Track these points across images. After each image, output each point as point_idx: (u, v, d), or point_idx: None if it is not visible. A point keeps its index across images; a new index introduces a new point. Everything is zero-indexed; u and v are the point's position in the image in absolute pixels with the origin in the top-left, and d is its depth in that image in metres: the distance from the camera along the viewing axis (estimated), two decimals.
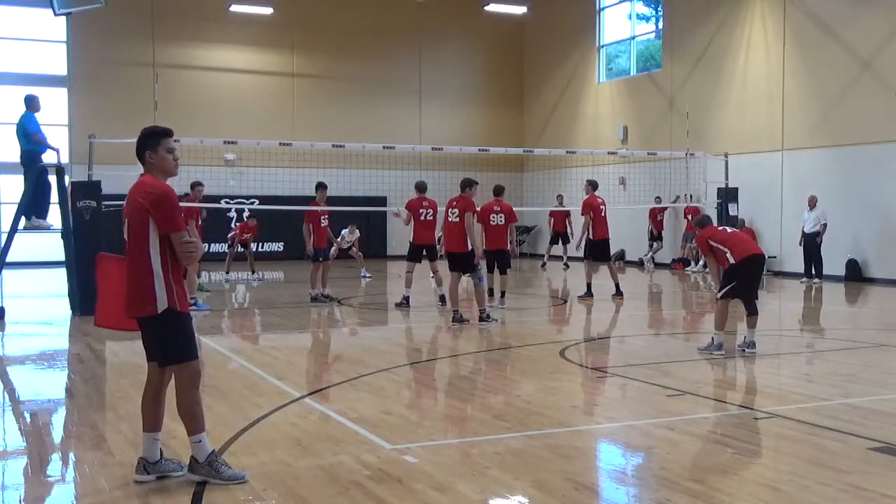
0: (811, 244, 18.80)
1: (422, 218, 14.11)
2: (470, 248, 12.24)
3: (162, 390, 5.31)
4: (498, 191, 14.55)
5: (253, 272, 19.94)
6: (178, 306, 5.11)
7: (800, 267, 19.48)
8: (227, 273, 19.88)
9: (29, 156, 13.64)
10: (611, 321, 13.56)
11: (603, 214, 15.41)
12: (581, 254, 16.01)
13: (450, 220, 12.42)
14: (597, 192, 15.61)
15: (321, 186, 15.14)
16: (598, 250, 15.45)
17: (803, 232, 18.95)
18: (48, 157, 14.01)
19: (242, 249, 20.34)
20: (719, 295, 9.61)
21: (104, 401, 7.92)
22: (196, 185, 14.75)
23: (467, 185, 12.49)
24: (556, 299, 17.13)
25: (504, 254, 14.30)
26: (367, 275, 19.85)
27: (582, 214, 15.50)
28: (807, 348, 10.89)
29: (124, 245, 5.24)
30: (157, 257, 5.07)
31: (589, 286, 15.42)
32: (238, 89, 26.78)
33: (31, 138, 13.56)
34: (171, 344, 5.16)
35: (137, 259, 5.08)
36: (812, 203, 18.83)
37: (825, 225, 18.63)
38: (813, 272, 18.86)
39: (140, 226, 5.06)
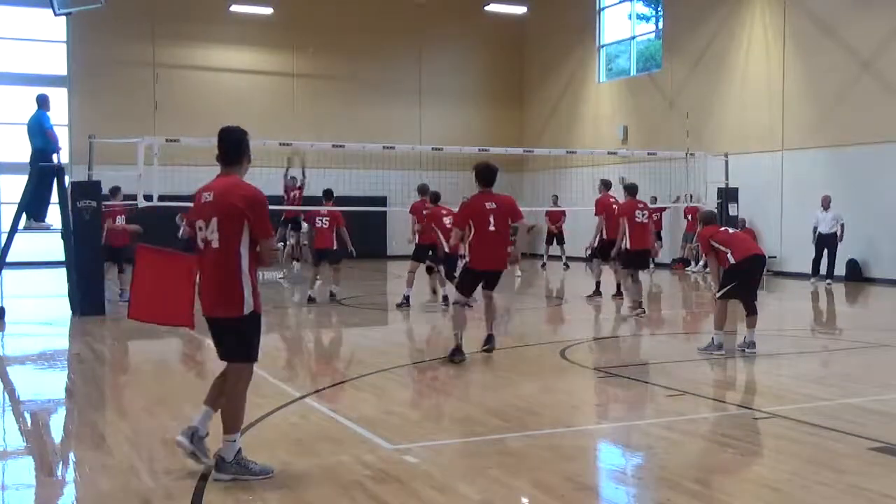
0: (831, 245, 18.35)
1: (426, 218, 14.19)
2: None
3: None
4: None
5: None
6: (260, 309, 5.27)
7: (800, 267, 19.46)
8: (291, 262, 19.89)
9: (39, 155, 13.64)
10: (611, 321, 13.55)
11: (616, 214, 15.35)
12: (583, 254, 15.94)
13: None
14: (610, 192, 15.56)
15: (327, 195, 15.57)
16: (609, 250, 15.37)
17: (819, 233, 18.45)
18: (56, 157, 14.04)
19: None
20: (718, 295, 9.61)
21: (104, 401, 7.92)
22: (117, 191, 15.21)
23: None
24: (556, 299, 17.13)
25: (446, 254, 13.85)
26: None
27: (596, 215, 15.33)
28: (807, 348, 10.88)
29: (192, 243, 5.32)
30: (246, 260, 5.16)
31: (598, 285, 15.39)
32: (238, 89, 26.75)
33: (47, 134, 13.56)
34: (248, 344, 5.28)
35: (228, 259, 5.14)
36: (826, 203, 18.40)
37: (843, 225, 18.36)
38: (823, 272, 18.56)
39: (234, 227, 5.13)
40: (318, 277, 15.20)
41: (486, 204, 9.18)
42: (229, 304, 5.16)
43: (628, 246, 13.42)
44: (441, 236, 13.53)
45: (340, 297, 15.23)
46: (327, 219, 14.96)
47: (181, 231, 15.65)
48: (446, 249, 13.39)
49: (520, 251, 10.06)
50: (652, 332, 12.18)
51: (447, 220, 13.35)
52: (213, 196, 5.19)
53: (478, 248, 9.23)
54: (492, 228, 9.13)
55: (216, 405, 5.39)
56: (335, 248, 14.99)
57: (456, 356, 9.25)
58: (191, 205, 5.42)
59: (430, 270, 14.51)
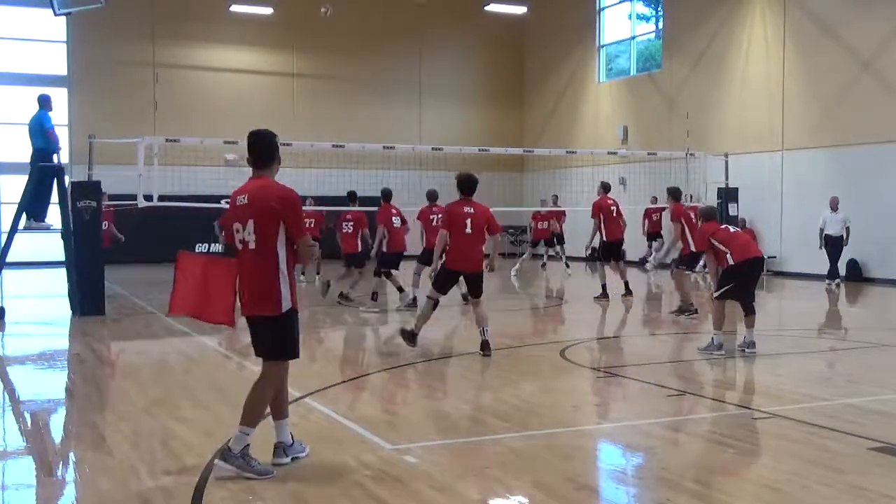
0: (836, 246, 18.20)
1: (433, 223, 14.20)
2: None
3: (283, 382, 5.57)
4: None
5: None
6: (297, 305, 5.38)
7: (800, 267, 19.44)
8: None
9: (40, 154, 13.64)
10: (611, 321, 13.55)
11: (614, 215, 15.37)
12: (584, 254, 15.96)
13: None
14: (608, 195, 15.56)
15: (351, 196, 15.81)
16: (611, 251, 15.38)
17: (827, 235, 18.23)
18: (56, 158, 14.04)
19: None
20: (716, 295, 9.61)
21: (104, 401, 7.92)
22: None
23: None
24: (556, 299, 17.12)
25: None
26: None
27: (592, 217, 15.43)
28: (807, 348, 10.88)
29: (230, 245, 5.43)
30: (284, 259, 5.30)
31: (604, 287, 15.38)
32: (238, 89, 26.77)
33: (47, 134, 13.57)
34: (286, 341, 5.40)
35: (266, 259, 5.27)
36: (834, 205, 18.21)
37: (849, 228, 18.25)
38: (825, 272, 18.47)
39: (271, 228, 5.26)
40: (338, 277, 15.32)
41: (465, 208, 9.74)
42: (267, 303, 5.28)
43: (693, 249, 13.23)
44: (387, 236, 14.12)
45: (339, 296, 15.20)
46: (352, 223, 14.92)
47: (219, 238, 15.61)
48: (384, 249, 14.13)
49: (494, 262, 10.39)
50: (652, 332, 12.18)
51: (396, 221, 14.21)
52: (248, 198, 5.32)
53: (453, 249, 9.74)
54: (468, 231, 9.65)
55: (280, 414, 5.57)
56: (360, 251, 14.98)
57: (407, 338, 9.87)
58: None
59: (388, 276, 14.60)
